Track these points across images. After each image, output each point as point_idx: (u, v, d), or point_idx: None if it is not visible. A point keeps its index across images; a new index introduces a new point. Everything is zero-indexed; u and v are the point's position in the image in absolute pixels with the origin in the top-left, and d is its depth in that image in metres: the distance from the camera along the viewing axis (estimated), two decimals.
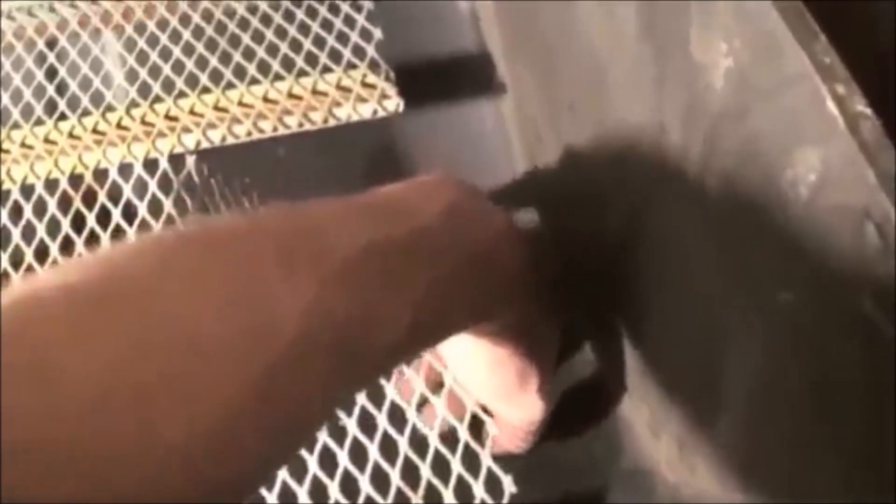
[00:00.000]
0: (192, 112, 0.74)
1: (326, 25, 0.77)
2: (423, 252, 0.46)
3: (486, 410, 0.63)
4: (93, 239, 0.69)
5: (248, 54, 0.76)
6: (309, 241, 0.41)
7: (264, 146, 0.74)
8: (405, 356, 0.52)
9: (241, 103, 0.73)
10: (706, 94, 0.42)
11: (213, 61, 0.76)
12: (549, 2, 0.60)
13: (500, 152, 0.77)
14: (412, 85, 0.75)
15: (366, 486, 0.59)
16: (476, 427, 0.62)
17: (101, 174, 0.72)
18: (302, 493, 0.59)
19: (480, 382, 0.61)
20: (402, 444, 0.60)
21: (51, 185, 0.73)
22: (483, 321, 0.54)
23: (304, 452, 0.59)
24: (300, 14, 0.79)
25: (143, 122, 0.74)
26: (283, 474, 0.59)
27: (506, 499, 0.58)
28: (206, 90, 0.75)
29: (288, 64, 0.75)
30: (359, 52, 0.75)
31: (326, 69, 0.75)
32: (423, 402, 0.63)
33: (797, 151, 0.37)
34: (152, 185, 0.70)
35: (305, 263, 0.40)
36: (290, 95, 0.73)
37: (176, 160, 0.72)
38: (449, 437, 0.61)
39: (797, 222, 0.38)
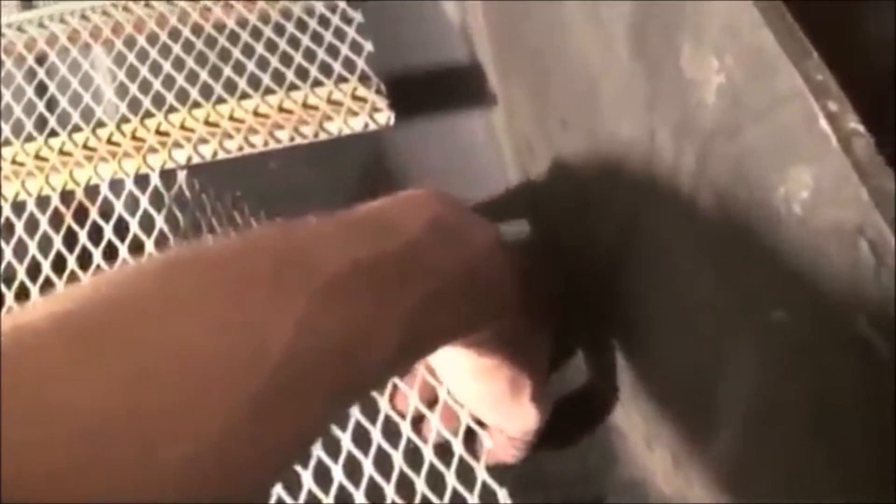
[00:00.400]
0: (182, 127, 0.73)
1: (317, 38, 0.77)
2: (412, 266, 0.46)
3: (480, 423, 0.63)
4: (85, 255, 0.69)
5: (239, 68, 0.76)
6: (298, 260, 0.41)
7: (255, 160, 0.74)
8: (398, 369, 0.52)
9: (231, 118, 0.73)
10: (698, 111, 0.42)
11: (204, 76, 0.76)
12: (540, 19, 0.60)
13: (491, 164, 0.78)
14: (403, 97, 0.75)
15: (360, 500, 0.59)
16: (470, 440, 0.62)
17: (92, 190, 0.72)
18: None
19: (472, 393, 0.61)
20: (397, 458, 0.60)
21: (42, 201, 0.73)
22: (473, 332, 0.54)
23: (298, 467, 0.60)
24: (290, 27, 0.79)
25: (134, 138, 0.74)
26: (277, 489, 0.59)
27: None
28: (196, 105, 0.75)
29: (278, 78, 0.75)
30: (349, 65, 0.75)
31: (317, 83, 0.75)
32: (419, 419, 0.63)
33: (790, 169, 0.37)
34: (144, 201, 0.70)
35: (294, 283, 0.40)
36: (281, 109, 0.73)
37: (167, 175, 0.72)
38: (443, 450, 0.61)
39: (790, 240, 0.38)
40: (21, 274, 0.69)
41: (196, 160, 0.72)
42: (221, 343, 0.37)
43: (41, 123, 0.78)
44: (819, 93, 0.36)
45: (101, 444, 0.32)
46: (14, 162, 0.75)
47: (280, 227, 0.45)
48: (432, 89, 0.81)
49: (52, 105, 0.79)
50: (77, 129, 0.76)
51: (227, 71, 0.76)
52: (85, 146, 0.75)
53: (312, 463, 0.60)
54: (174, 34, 0.80)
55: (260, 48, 0.77)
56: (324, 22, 0.79)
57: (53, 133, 0.76)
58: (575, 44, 0.55)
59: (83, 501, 0.30)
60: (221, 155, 0.72)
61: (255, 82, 0.75)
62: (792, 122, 0.37)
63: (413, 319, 0.44)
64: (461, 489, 0.59)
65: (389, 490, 0.59)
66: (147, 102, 0.75)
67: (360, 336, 0.42)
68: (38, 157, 0.75)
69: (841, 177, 0.35)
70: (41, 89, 0.81)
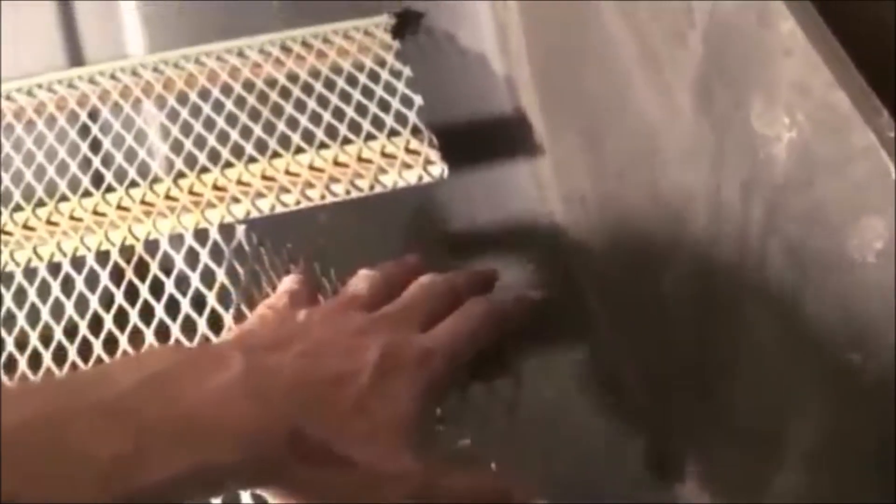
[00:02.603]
0: (239, 182, 0.75)
1: (367, 93, 0.79)
2: (112, 419, 0.44)
3: None
4: (147, 310, 0.70)
5: (292, 123, 0.77)
6: None
7: (306, 214, 0.75)
8: None
9: (288, 172, 0.75)
10: (767, 165, 0.44)
11: (258, 130, 0.77)
12: (595, 72, 0.61)
13: (538, 213, 0.79)
14: (449, 149, 0.76)
15: None
16: None
17: (152, 245, 0.74)
18: None
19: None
20: None
21: (102, 256, 0.74)
22: (256, 482, 0.50)
23: None
24: (341, 82, 0.80)
25: (192, 193, 0.75)
26: None
27: None
28: (252, 160, 0.76)
29: (332, 132, 0.77)
30: (401, 118, 0.77)
31: (370, 136, 0.76)
32: None
33: (863, 220, 0.39)
34: (204, 255, 0.72)
35: None
36: (336, 163, 0.75)
37: (226, 230, 0.73)
38: None
39: (864, 287, 0.39)
40: (83, 328, 0.70)
41: (254, 214, 0.73)
42: None
43: (97, 179, 0.79)
44: (891, 149, 0.37)
45: None
46: (72, 218, 0.77)
47: None
48: (478, 141, 0.82)
49: (107, 161, 0.80)
50: (134, 184, 0.77)
51: (281, 126, 0.77)
52: (143, 201, 0.76)
53: None
54: (226, 90, 0.81)
55: (312, 103, 0.79)
56: (373, 76, 0.80)
57: (110, 189, 0.78)
58: (633, 97, 0.57)
59: None
60: (279, 209, 0.73)
61: (308, 137, 0.77)
62: (864, 176, 0.38)
63: (113, 474, 0.42)
64: None
65: None
66: (203, 158, 0.77)
67: (43, 491, 0.40)
68: (96, 212, 0.77)
69: None
70: (95, 145, 0.82)
